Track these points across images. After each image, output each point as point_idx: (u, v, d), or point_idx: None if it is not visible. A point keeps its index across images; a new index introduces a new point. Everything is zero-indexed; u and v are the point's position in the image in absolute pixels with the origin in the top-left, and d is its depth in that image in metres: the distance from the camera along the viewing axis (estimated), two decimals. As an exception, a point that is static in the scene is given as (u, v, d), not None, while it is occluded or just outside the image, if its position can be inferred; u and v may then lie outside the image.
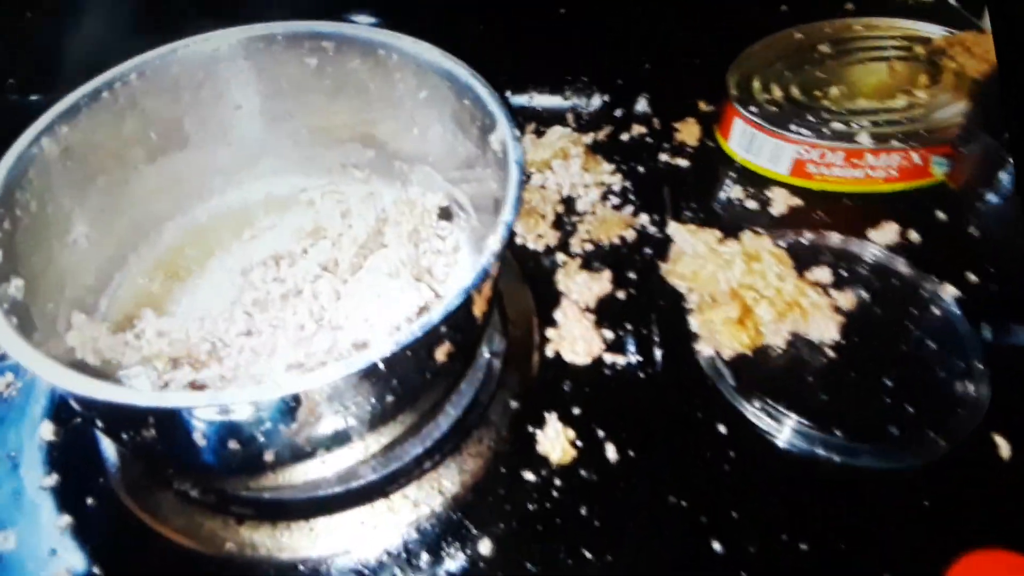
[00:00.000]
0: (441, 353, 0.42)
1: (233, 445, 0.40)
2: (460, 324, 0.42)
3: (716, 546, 0.42)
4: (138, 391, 0.40)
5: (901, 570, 0.41)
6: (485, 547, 0.43)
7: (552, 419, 0.48)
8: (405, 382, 0.42)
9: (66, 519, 0.45)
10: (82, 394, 0.35)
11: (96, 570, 0.43)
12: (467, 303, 0.40)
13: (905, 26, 0.71)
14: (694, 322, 0.53)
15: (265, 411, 0.37)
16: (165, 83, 0.54)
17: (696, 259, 0.55)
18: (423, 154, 0.58)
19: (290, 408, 0.38)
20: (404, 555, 0.43)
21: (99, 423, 0.44)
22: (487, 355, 0.52)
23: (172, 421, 0.38)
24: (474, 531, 0.44)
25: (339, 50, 0.56)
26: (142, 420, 0.38)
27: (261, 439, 0.40)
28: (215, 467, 0.43)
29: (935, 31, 0.70)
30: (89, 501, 0.46)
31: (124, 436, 0.42)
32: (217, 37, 0.55)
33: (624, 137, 0.68)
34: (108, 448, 0.48)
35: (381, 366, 0.37)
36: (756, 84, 0.65)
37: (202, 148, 0.58)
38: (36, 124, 0.48)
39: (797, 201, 0.62)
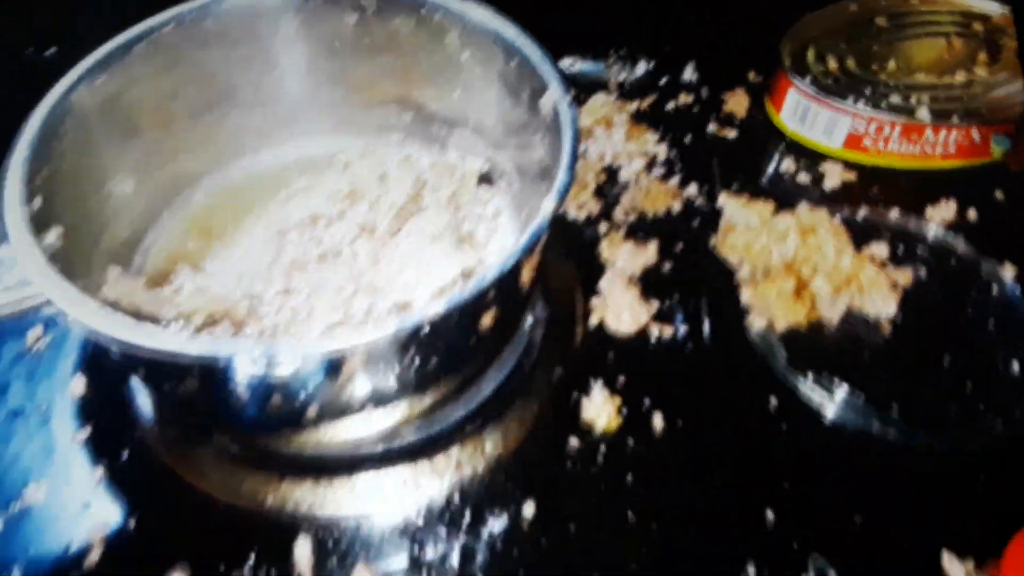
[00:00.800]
0: (487, 318, 0.44)
1: (276, 400, 0.41)
2: (508, 289, 0.44)
3: (769, 515, 0.44)
4: (198, 338, 0.41)
5: (959, 546, 0.43)
6: (528, 509, 0.45)
7: (598, 386, 0.50)
8: (449, 346, 0.43)
9: (99, 472, 0.47)
10: (135, 342, 0.36)
11: (131, 524, 0.45)
12: (519, 265, 0.41)
13: (962, 2, 0.72)
14: (745, 294, 0.55)
15: (311, 366, 0.39)
16: (201, 37, 0.56)
17: (748, 231, 0.57)
18: (464, 117, 0.60)
19: (337, 364, 0.40)
20: (447, 514, 0.45)
21: (139, 373, 0.46)
22: (529, 323, 0.54)
23: (216, 371, 0.39)
24: (517, 493, 0.45)
25: (380, 8, 0.57)
26: (187, 370, 0.40)
27: (305, 395, 0.41)
28: (256, 421, 0.44)
29: (994, 8, 0.71)
30: (123, 456, 0.48)
31: (166, 387, 0.44)
32: (256, -9, 0.56)
33: (669, 106, 0.69)
34: (143, 404, 0.50)
35: (429, 326, 0.38)
36: (810, 55, 0.66)
37: (236, 106, 0.59)
38: (70, 74, 0.49)
39: (851, 176, 0.64)
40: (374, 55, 0.60)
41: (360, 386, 0.43)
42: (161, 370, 0.42)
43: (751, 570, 0.42)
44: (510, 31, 0.53)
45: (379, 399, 0.45)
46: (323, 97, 0.62)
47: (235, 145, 0.61)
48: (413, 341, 0.40)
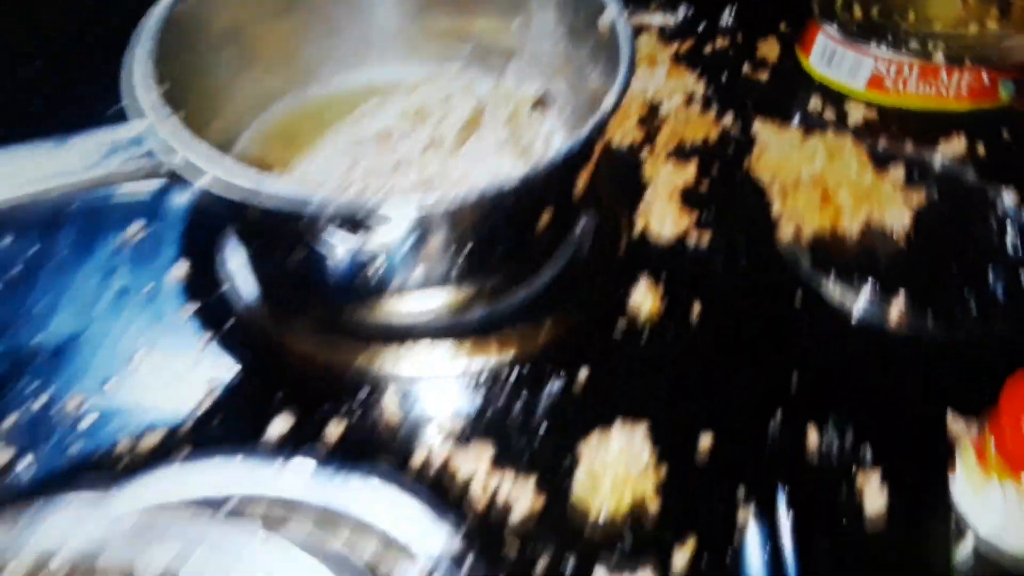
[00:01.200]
0: (547, 215, 0.52)
1: (366, 270, 0.49)
2: (568, 183, 0.52)
3: (794, 378, 0.52)
4: (321, 188, 0.45)
5: (962, 407, 0.50)
6: (582, 373, 0.52)
7: (642, 279, 0.57)
8: (517, 228, 0.52)
9: (205, 338, 0.54)
10: (276, 192, 0.43)
11: (236, 380, 0.53)
12: (590, 143, 0.49)
13: (979, -37, 0.80)
14: (776, 206, 0.62)
15: (410, 216, 0.46)
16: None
17: (780, 153, 0.65)
18: (521, 48, 0.67)
19: (427, 223, 0.47)
20: (511, 375, 0.52)
21: (253, 243, 0.54)
22: (580, 229, 0.61)
23: (320, 241, 0.47)
24: (572, 361, 0.53)
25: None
26: (304, 229, 0.47)
27: (392, 262, 0.49)
28: (347, 289, 0.52)
29: (1008, -30, 0.79)
30: (227, 325, 0.55)
31: (276, 255, 0.52)
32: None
33: (707, 49, 0.78)
34: (244, 283, 0.57)
35: (508, 195, 0.45)
36: (838, 3, 0.75)
37: (318, 31, 0.67)
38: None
39: (872, 115, 0.72)
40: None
41: (439, 258, 0.51)
42: (275, 232, 0.50)
43: (779, 416, 0.50)
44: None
45: (453, 276, 0.53)
46: (388, 29, 0.70)
47: (313, 66, 0.68)
48: (492, 209, 0.48)
